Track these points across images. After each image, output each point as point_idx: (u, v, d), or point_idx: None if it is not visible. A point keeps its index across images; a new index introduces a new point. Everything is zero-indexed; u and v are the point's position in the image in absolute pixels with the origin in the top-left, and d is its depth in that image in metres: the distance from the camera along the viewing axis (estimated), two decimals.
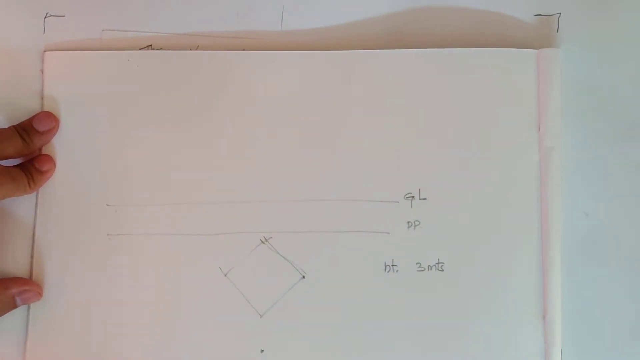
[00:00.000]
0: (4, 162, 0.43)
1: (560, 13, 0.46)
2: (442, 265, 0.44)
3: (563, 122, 0.44)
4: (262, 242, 0.44)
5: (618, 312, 0.44)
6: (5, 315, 0.42)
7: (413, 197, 0.44)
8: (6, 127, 0.43)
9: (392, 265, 0.44)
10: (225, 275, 0.44)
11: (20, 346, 0.43)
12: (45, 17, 0.45)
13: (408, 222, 0.44)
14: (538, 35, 0.46)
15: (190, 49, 0.45)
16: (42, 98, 0.45)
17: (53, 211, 0.44)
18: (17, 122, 0.44)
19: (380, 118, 0.45)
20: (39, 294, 0.43)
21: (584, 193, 0.45)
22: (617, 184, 0.45)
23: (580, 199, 0.45)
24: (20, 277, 0.43)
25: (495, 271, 0.43)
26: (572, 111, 0.45)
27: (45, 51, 0.45)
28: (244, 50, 0.45)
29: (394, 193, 0.44)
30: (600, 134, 0.45)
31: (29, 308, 0.43)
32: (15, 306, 0.43)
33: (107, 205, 0.44)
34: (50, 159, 0.44)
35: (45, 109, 0.44)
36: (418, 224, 0.44)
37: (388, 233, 0.44)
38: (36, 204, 0.44)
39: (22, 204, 0.44)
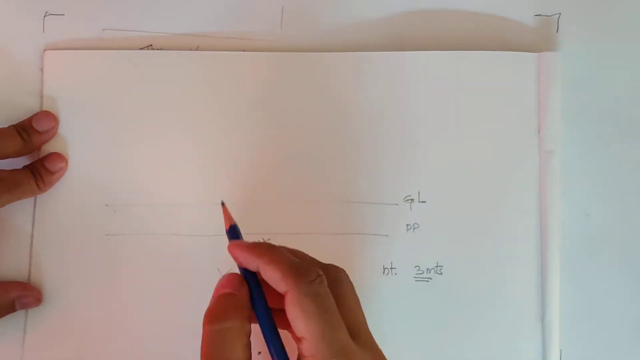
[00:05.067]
0: (4, 162, 0.42)
1: (560, 13, 0.46)
2: (440, 269, 0.44)
3: (563, 123, 0.44)
4: None
5: (618, 314, 0.44)
6: (3, 318, 0.42)
7: (412, 199, 0.44)
8: (6, 126, 0.43)
9: (391, 268, 0.44)
10: None
11: (18, 348, 0.43)
12: (45, 16, 0.45)
13: (407, 224, 0.44)
14: (538, 36, 0.46)
15: (190, 49, 0.45)
16: (41, 97, 0.44)
17: (51, 211, 0.44)
18: (16, 122, 0.43)
19: (380, 120, 0.45)
20: (38, 299, 0.42)
21: (584, 193, 0.45)
22: (617, 185, 0.45)
23: (580, 200, 0.45)
24: (20, 282, 0.43)
25: (494, 274, 0.44)
26: (571, 111, 0.45)
27: (44, 50, 0.45)
28: (244, 51, 0.45)
29: (393, 196, 0.44)
30: (601, 134, 0.45)
31: (27, 310, 0.43)
32: (13, 310, 0.42)
33: (106, 205, 0.44)
34: (61, 158, 0.43)
35: (45, 108, 0.44)
36: (417, 227, 0.44)
37: (387, 236, 0.44)
38: (34, 204, 0.44)
39: (20, 205, 0.43)
